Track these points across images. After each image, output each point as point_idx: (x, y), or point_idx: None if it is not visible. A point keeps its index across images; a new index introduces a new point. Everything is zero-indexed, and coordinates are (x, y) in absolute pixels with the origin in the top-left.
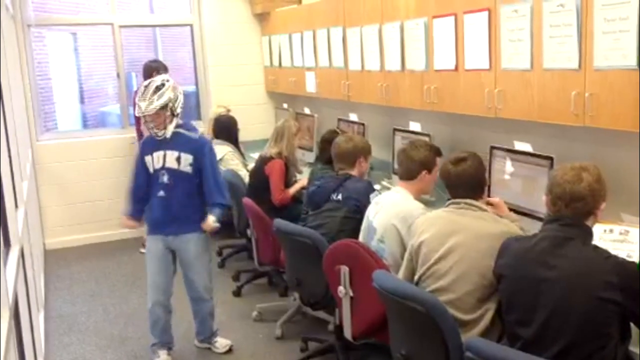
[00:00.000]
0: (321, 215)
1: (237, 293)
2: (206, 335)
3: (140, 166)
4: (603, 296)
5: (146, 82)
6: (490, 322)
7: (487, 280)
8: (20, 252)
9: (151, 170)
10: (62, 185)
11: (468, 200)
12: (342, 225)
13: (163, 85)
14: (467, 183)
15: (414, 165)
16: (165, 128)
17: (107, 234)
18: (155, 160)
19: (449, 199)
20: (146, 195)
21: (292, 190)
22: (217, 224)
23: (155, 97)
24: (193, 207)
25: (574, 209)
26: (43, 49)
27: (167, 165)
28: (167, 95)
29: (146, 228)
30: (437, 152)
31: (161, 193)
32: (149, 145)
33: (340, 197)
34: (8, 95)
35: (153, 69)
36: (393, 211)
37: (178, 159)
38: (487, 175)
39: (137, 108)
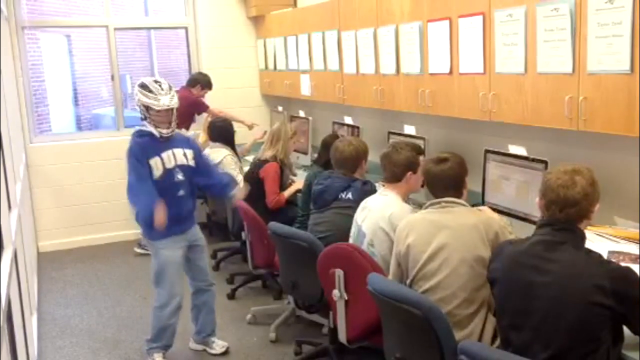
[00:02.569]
0: (328, 213)
1: (232, 296)
2: (209, 331)
3: (144, 170)
4: (595, 300)
5: (152, 79)
6: (484, 318)
7: (477, 272)
8: (13, 255)
9: (159, 172)
10: (55, 188)
11: (447, 198)
12: (349, 223)
13: (169, 85)
14: (447, 183)
15: (398, 168)
16: (171, 127)
17: (101, 237)
18: (166, 161)
19: None
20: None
21: (287, 193)
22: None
23: (172, 92)
24: (196, 197)
25: (568, 214)
26: (37, 50)
27: (179, 162)
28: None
29: (159, 232)
30: (419, 151)
31: (181, 192)
32: (150, 148)
33: (350, 196)
34: (2, 97)
35: (198, 81)
36: (380, 214)
37: (185, 155)
38: (467, 177)
39: (154, 102)
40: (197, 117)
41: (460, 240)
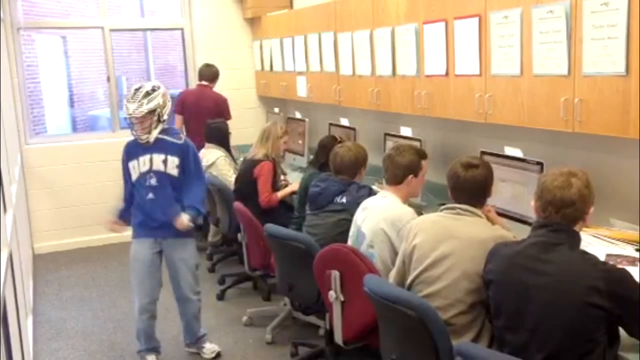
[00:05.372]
0: (322, 215)
1: (221, 297)
2: (192, 339)
3: (126, 173)
4: (590, 301)
5: (137, 85)
6: (480, 328)
7: (478, 286)
8: (8, 257)
9: (136, 175)
10: (51, 189)
11: (463, 206)
12: (341, 227)
13: (154, 90)
14: (473, 190)
15: (400, 170)
16: (149, 132)
17: (97, 239)
18: (141, 164)
19: (441, 204)
20: (133, 201)
21: (281, 194)
22: (191, 224)
23: (145, 100)
24: (180, 209)
25: (564, 215)
26: (33, 52)
27: (154, 168)
28: (156, 100)
29: (132, 232)
30: (423, 155)
31: (150, 196)
32: (134, 150)
33: (344, 200)
34: None
35: (217, 74)
36: (382, 216)
37: (165, 162)
38: (493, 187)
39: (124, 109)
40: None
41: (467, 254)
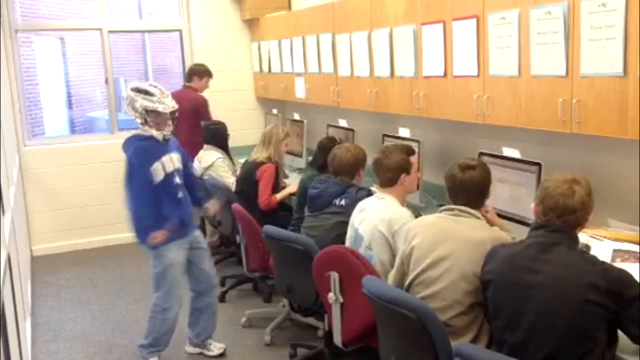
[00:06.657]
0: (320, 217)
1: (222, 299)
2: (209, 334)
3: (150, 179)
4: (589, 299)
5: (147, 83)
6: (479, 329)
7: (476, 287)
8: (6, 259)
9: (161, 176)
10: (49, 191)
11: (462, 207)
12: (339, 229)
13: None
14: (470, 191)
15: (391, 172)
16: (171, 127)
17: (95, 240)
18: (166, 165)
19: (439, 205)
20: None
21: (279, 196)
22: None
23: (170, 94)
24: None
25: (565, 221)
26: (31, 54)
27: (176, 166)
28: None
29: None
30: (410, 151)
31: (180, 194)
32: (152, 153)
33: (343, 202)
34: None
35: (201, 72)
36: (379, 217)
37: (179, 159)
38: (491, 187)
39: (160, 106)
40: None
41: (465, 255)
